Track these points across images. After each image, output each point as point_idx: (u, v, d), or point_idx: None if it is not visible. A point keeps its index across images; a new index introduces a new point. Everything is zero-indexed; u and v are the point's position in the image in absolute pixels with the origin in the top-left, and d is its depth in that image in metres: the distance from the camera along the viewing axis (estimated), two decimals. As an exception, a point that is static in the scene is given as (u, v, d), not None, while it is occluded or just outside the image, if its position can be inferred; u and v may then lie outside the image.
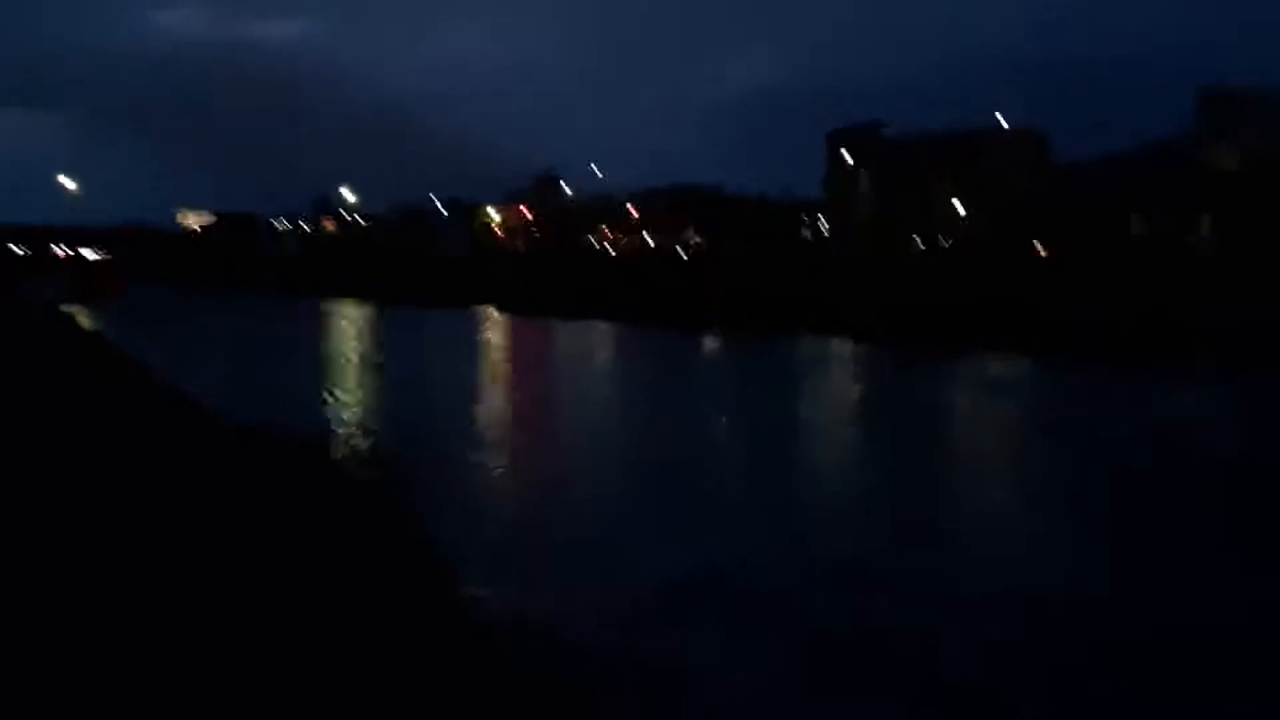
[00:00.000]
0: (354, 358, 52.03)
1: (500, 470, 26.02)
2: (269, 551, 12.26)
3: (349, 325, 77.31)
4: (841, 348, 62.26)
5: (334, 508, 16.21)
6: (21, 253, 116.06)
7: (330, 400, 35.33)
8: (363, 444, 28.32)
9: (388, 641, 9.46)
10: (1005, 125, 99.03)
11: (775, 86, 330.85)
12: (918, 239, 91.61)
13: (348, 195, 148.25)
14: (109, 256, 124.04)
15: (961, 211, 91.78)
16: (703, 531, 19.74)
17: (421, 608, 12.22)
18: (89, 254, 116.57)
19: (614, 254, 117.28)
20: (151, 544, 10.67)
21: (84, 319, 63.39)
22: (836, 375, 53.18)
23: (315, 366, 45.66)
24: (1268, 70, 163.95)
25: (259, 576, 10.56)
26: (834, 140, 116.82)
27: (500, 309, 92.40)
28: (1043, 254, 77.16)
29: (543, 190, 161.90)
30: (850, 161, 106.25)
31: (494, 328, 78.20)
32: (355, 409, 33.95)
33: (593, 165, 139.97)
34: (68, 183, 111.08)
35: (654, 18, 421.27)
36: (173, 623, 8.13)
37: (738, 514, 21.94)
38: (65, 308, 69.40)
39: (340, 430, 30.01)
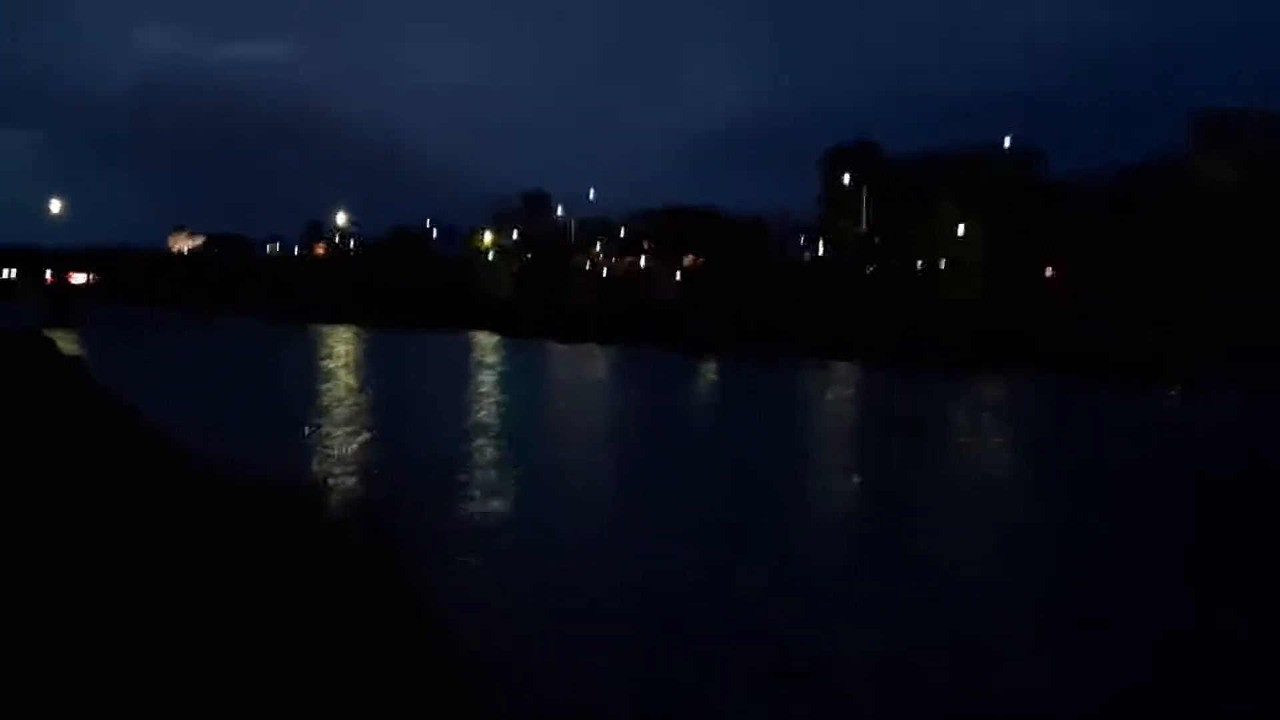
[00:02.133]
0: (346, 389, 50.16)
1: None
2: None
3: (341, 352, 75.70)
4: (850, 372, 61.09)
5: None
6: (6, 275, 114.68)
7: (317, 438, 33.10)
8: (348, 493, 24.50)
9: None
10: (1003, 144, 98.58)
11: (764, 110, 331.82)
12: (919, 260, 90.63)
13: (341, 219, 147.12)
14: (97, 279, 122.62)
15: (961, 231, 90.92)
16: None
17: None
18: (79, 278, 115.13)
19: (608, 276, 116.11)
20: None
21: (65, 344, 62.01)
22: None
23: (303, 397, 43.80)
24: (1257, 91, 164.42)
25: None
26: (831, 160, 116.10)
27: (496, 332, 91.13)
28: (1047, 273, 76.13)
29: (533, 210, 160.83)
30: (847, 181, 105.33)
31: (491, 352, 76.69)
32: (342, 447, 31.08)
33: (588, 188, 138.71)
34: (54, 204, 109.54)
35: (643, 45, 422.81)
36: None
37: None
38: (47, 332, 68.05)
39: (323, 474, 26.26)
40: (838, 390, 53.67)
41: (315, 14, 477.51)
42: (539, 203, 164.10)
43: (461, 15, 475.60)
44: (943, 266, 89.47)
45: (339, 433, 32.81)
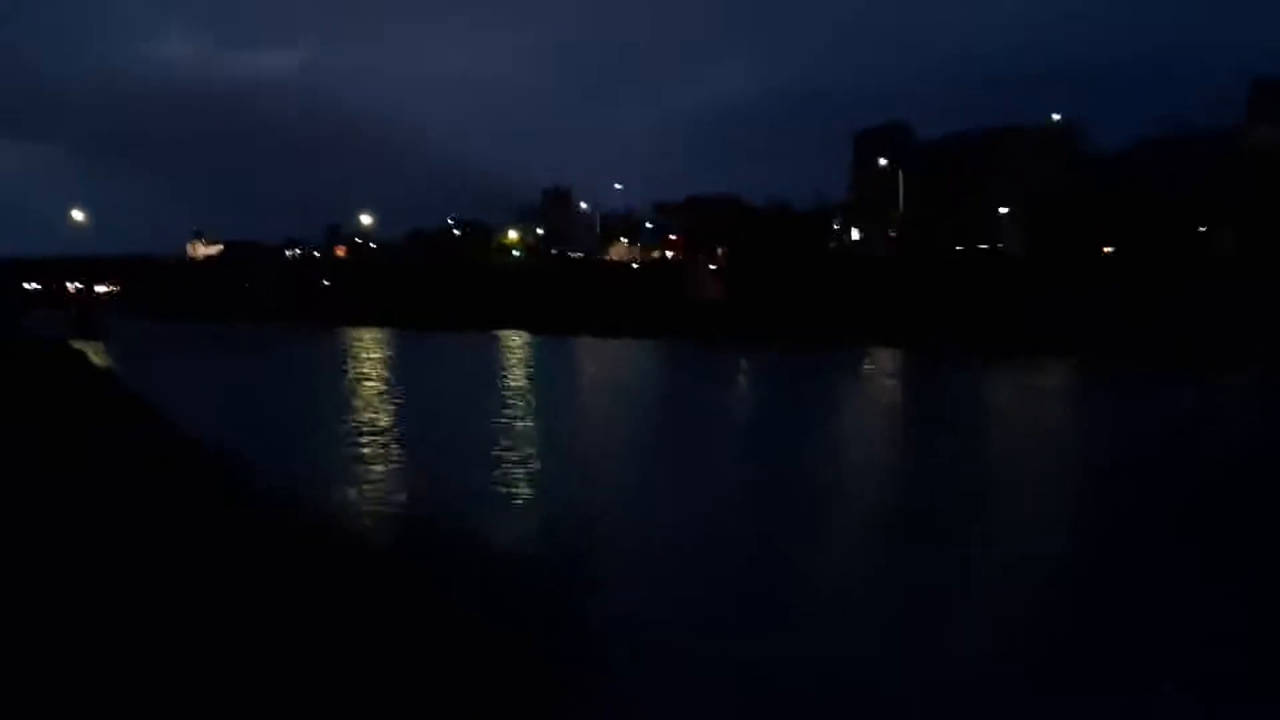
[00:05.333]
0: (378, 406, 47.80)
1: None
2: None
3: (369, 360, 73.59)
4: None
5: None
6: (32, 287, 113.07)
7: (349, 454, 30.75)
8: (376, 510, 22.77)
9: None
10: (1039, 120, 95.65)
11: (783, 94, 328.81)
12: (962, 243, 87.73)
13: (365, 220, 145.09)
14: (117, 289, 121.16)
15: (1004, 210, 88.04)
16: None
17: None
18: (101, 289, 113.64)
19: (636, 268, 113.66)
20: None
21: (95, 357, 60.06)
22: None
23: (331, 409, 41.53)
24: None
25: None
26: (862, 142, 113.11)
27: (529, 330, 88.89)
28: (1106, 251, 72.99)
29: (554, 206, 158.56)
30: (884, 162, 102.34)
31: (530, 351, 74.38)
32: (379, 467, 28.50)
33: (614, 181, 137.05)
34: (75, 214, 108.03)
35: (657, 39, 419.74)
36: None
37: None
38: (75, 344, 66.15)
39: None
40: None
41: (331, 18, 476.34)
42: (558, 195, 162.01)
43: (473, 11, 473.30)
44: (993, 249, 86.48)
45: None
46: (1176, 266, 65.16)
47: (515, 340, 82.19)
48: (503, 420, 37.24)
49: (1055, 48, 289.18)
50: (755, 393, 51.18)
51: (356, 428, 35.74)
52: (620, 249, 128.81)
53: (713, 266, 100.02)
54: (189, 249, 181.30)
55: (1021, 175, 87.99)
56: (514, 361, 65.27)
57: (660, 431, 36.38)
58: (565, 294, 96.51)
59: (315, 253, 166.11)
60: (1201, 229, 74.05)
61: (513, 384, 51.56)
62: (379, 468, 27.96)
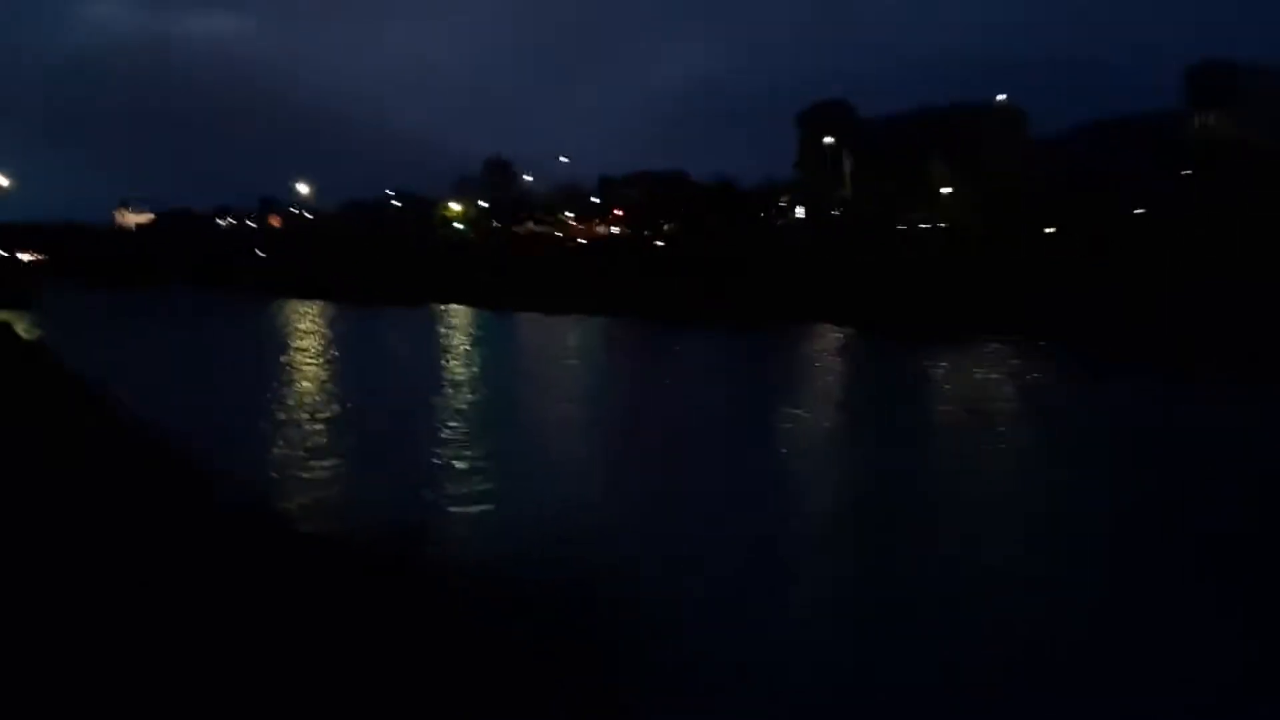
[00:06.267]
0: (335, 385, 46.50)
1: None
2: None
3: (309, 332, 71.85)
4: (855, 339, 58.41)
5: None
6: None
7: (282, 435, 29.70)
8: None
9: None
10: (987, 100, 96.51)
11: (730, 76, 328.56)
12: (906, 221, 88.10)
13: (302, 190, 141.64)
14: (43, 257, 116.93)
15: (948, 190, 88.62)
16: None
17: None
18: (26, 257, 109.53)
19: (583, 243, 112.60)
20: None
21: (22, 329, 57.81)
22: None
23: (267, 387, 40.17)
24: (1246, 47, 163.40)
25: None
26: (806, 120, 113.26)
27: (472, 304, 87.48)
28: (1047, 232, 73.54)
29: (495, 177, 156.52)
30: (830, 140, 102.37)
31: (472, 330, 73.17)
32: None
33: (558, 151, 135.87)
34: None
35: (606, 11, 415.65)
36: None
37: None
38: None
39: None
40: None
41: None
42: (501, 170, 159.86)
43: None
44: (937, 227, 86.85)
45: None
46: (1118, 247, 65.93)
47: (457, 318, 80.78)
48: (441, 402, 36.50)
49: (1003, 35, 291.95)
50: (670, 372, 49.73)
51: (292, 406, 34.79)
52: (566, 223, 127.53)
53: (659, 243, 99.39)
54: (117, 216, 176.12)
55: (965, 155, 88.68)
56: (456, 343, 63.63)
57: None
58: (510, 268, 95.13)
59: (249, 222, 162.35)
60: (1138, 211, 75.19)
61: (451, 364, 50.48)
62: (317, 451, 27.09)
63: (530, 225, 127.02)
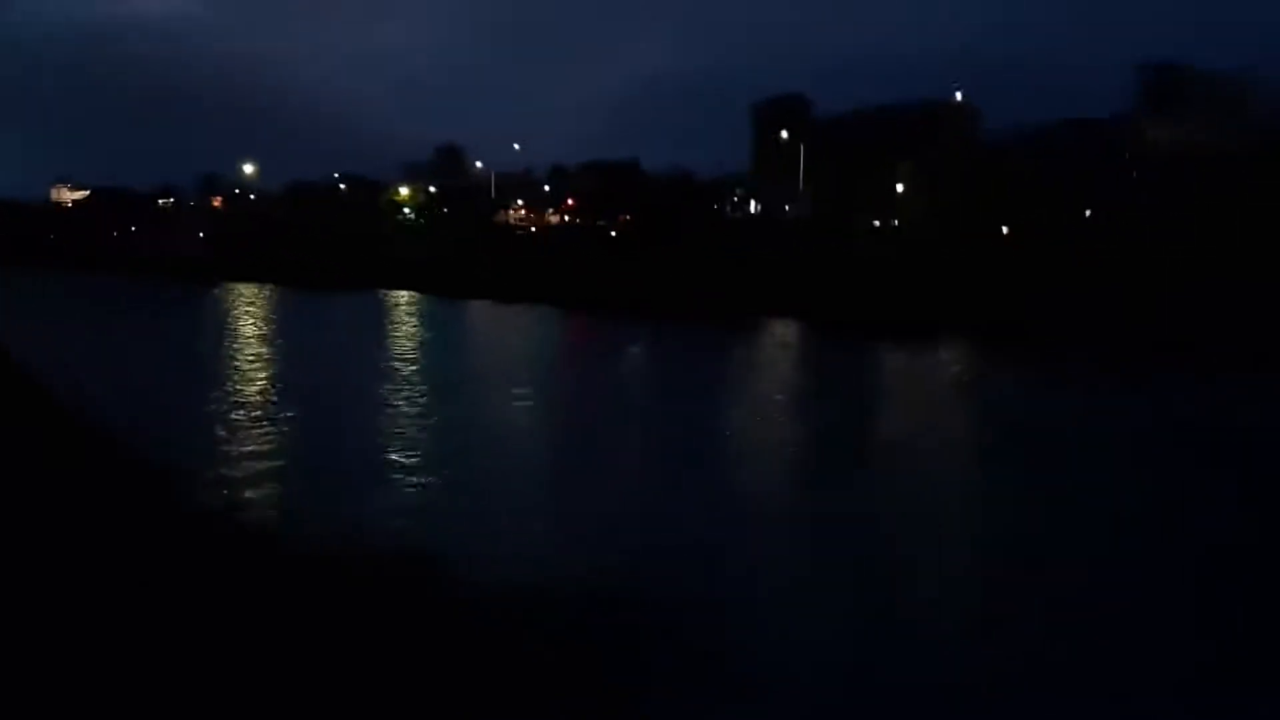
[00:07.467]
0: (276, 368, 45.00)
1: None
2: None
3: (251, 317, 69.89)
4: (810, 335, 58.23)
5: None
6: None
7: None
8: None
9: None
10: (938, 99, 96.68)
11: (686, 69, 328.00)
12: (860, 218, 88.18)
13: (247, 170, 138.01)
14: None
15: (900, 188, 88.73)
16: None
17: None
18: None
19: (534, 231, 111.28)
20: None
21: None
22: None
23: (212, 374, 38.77)
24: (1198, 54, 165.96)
25: None
26: (760, 113, 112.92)
27: (420, 290, 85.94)
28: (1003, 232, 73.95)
29: (445, 163, 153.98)
30: (785, 135, 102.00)
31: (420, 318, 71.61)
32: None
33: (511, 141, 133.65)
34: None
35: (571, 8, 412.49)
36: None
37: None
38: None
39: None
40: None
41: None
42: (451, 157, 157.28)
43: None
44: (887, 225, 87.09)
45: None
46: (1070, 247, 66.41)
47: (403, 303, 79.14)
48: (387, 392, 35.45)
49: (961, 33, 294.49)
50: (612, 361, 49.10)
51: (232, 392, 33.60)
52: (516, 211, 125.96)
53: (613, 233, 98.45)
54: (53, 194, 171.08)
55: (920, 153, 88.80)
56: (403, 332, 62.09)
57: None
58: (460, 255, 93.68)
59: (191, 203, 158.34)
60: (1088, 211, 75.91)
61: (396, 351, 49.13)
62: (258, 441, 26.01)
63: (507, 215, 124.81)
